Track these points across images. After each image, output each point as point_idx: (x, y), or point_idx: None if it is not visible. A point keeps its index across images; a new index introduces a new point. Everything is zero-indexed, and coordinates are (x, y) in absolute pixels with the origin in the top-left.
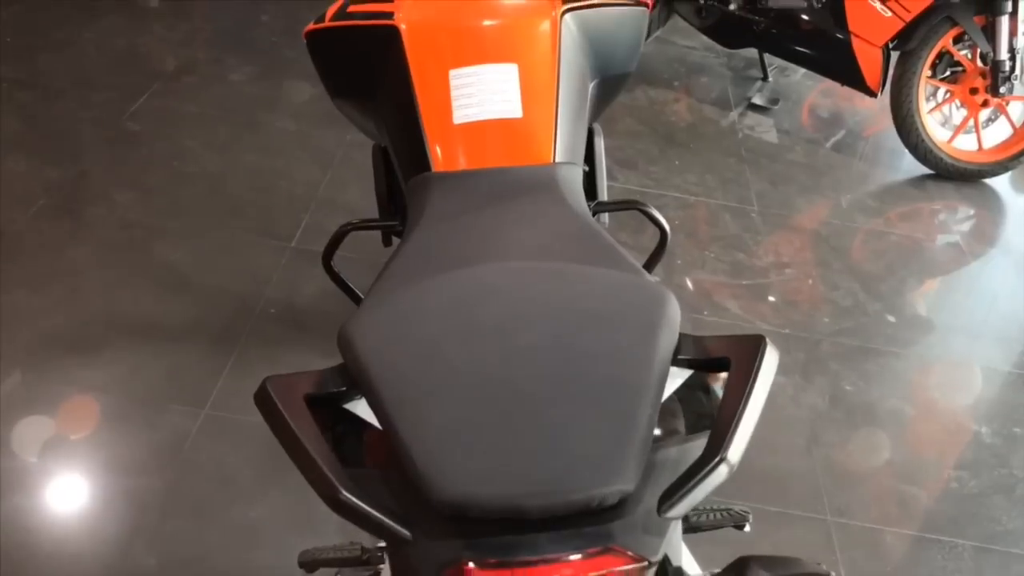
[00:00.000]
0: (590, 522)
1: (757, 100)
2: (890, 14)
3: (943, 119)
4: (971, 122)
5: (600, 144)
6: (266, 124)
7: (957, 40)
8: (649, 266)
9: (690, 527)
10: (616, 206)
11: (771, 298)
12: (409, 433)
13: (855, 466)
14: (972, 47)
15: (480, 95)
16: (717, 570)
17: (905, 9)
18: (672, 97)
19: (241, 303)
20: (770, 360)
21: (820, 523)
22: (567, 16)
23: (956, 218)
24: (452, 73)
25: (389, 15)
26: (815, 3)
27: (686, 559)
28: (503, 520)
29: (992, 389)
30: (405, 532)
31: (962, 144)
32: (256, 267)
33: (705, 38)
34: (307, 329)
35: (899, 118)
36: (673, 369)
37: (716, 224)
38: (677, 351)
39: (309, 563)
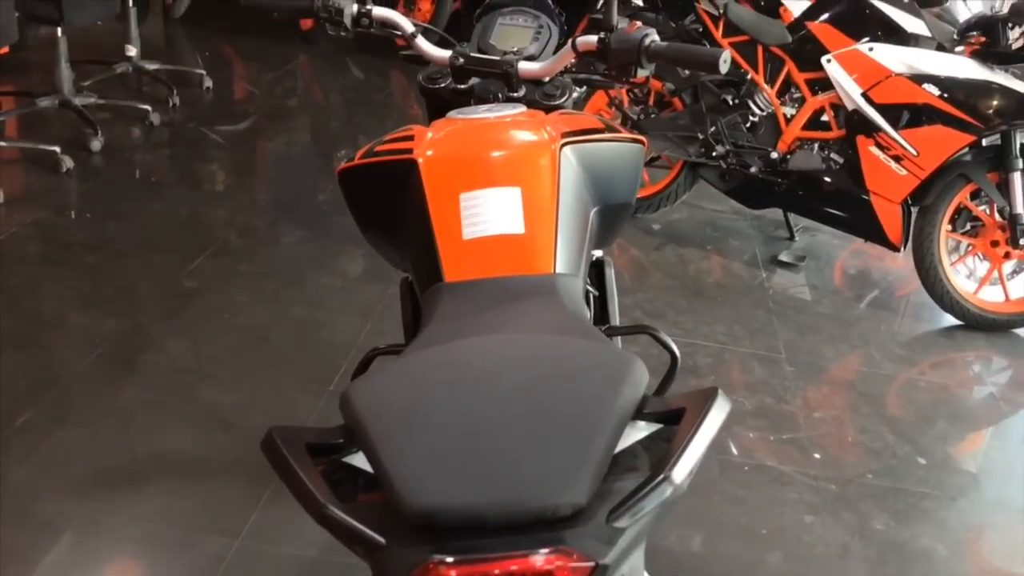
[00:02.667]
0: (544, 529)
1: (784, 257)
2: (905, 172)
3: (968, 271)
4: (995, 274)
5: (611, 273)
6: (313, 281)
7: (974, 195)
8: (661, 390)
9: None
10: (627, 330)
11: (799, 440)
12: (389, 458)
13: None
14: (989, 202)
15: (487, 214)
16: None
17: (919, 167)
18: (701, 255)
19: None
20: (720, 405)
21: None
22: (566, 148)
23: (985, 366)
24: (462, 196)
25: (409, 151)
26: (833, 164)
27: None
28: (467, 528)
29: None
30: (380, 539)
31: (989, 295)
32: (295, 408)
33: (732, 201)
34: None
35: (923, 271)
36: (640, 423)
37: (744, 370)
38: (643, 407)
39: None
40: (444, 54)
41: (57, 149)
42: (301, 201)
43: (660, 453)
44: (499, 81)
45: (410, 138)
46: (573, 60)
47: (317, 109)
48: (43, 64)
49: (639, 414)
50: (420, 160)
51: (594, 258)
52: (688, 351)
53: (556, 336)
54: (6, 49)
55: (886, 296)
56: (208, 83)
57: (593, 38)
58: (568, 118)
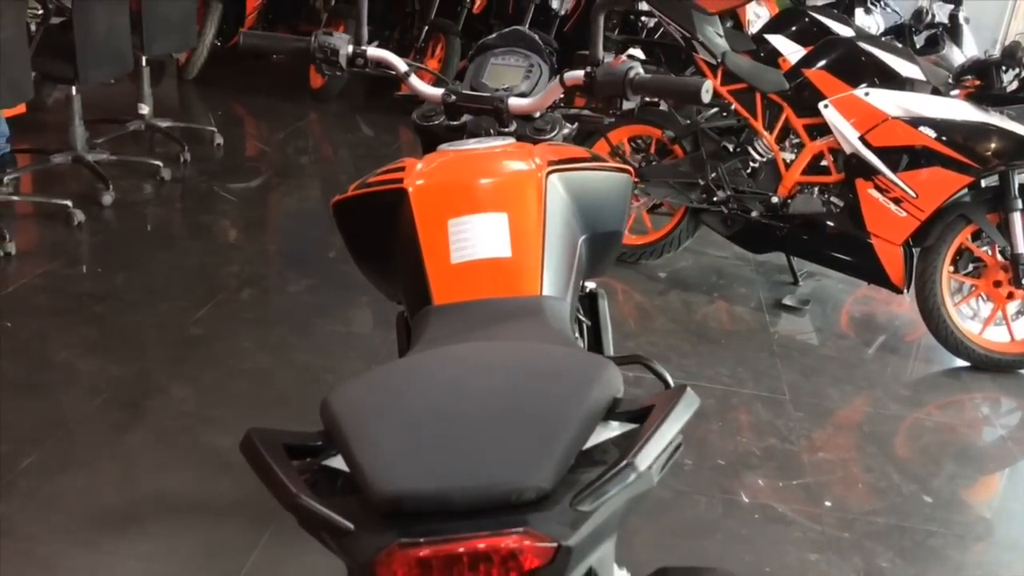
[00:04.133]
0: (510, 513)
1: (788, 301)
2: (905, 214)
3: (972, 312)
4: (999, 314)
5: (604, 304)
6: (318, 328)
7: (976, 236)
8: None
9: None
10: (621, 360)
11: (804, 479)
12: (360, 450)
13: None
14: (991, 243)
15: (474, 239)
16: None
17: (919, 209)
18: (705, 300)
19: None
20: (688, 400)
21: None
22: (552, 176)
23: (992, 407)
24: (451, 221)
25: (399, 180)
26: (833, 207)
27: (615, 571)
28: (433, 513)
29: None
30: (348, 524)
31: (993, 336)
32: None
33: (736, 248)
34: None
35: (926, 312)
36: (612, 423)
37: (748, 412)
38: (615, 408)
39: None
40: (437, 92)
41: (69, 203)
42: (309, 253)
43: (630, 449)
44: (490, 117)
45: (401, 169)
46: (561, 94)
47: (327, 165)
48: (58, 124)
49: (611, 415)
50: (410, 189)
51: (588, 290)
52: None
53: (537, 343)
54: (23, 109)
55: (891, 339)
56: (219, 140)
57: (580, 72)
58: (555, 148)
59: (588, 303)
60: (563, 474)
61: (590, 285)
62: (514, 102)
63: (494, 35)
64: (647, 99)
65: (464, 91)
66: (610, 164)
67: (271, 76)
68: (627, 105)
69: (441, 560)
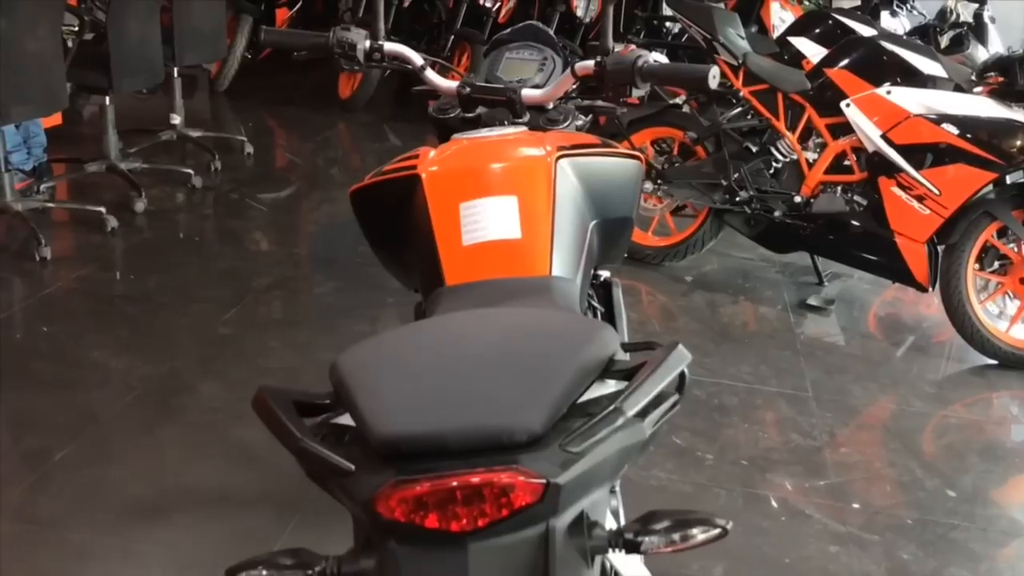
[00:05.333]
0: (502, 453)
1: (813, 302)
2: (928, 211)
3: (999, 309)
4: None
5: (618, 293)
6: (344, 327)
7: (1001, 233)
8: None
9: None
10: (635, 346)
11: (825, 474)
12: (363, 399)
13: None
14: (1017, 239)
15: (485, 221)
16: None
17: (942, 206)
18: (729, 300)
19: (304, 476)
20: (678, 354)
21: None
22: (561, 161)
23: (1020, 404)
24: (462, 205)
25: (413, 167)
26: (857, 206)
27: (609, 519)
28: (430, 453)
29: None
30: (349, 465)
31: (1020, 333)
32: None
33: (761, 249)
34: None
35: (951, 309)
36: (609, 382)
37: (770, 408)
38: (611, 366)
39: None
40: (452, 84)
41: (103, 210)
42: (336, 257)
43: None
44: (504, 108)
45: (415, 157)
46: (574, 84)
47: (354, 173)
48: (92, 135)
49: (608, 374)
50: (423, 175)
51: (602, 278)
52: (714, 391)
53: (539, 309)
54: (59, 120)
55: (918, 339)
56: (249, 149)
57: (591, 62)
58: (566, 135)
59: (602, 291)
60: (555, 421)
61: (604, 274)
62: (527, 93)
63: (508, 30)
64: (671, 101)
65: (479, 83)
66: (620, 151)
67: (300, 88)
68: (636, 93)
69: (436, 496)
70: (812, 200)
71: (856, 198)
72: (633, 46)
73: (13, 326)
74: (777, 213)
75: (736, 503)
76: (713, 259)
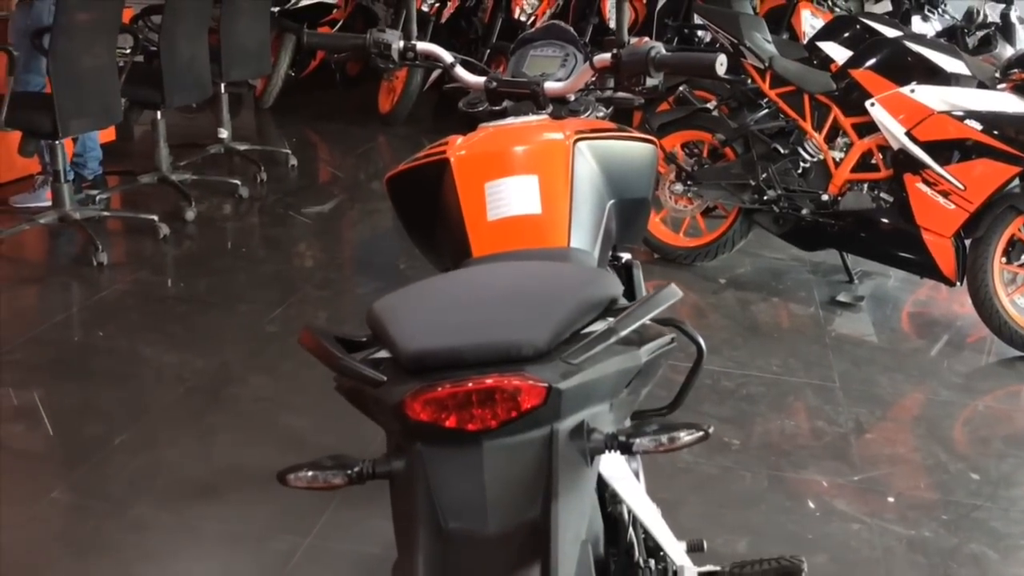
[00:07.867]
0: (512, 364)
1: (842, 298)
2: (954, 207)
3: None
4: None
5: (639, 275)
6: None
7: None
8: (687, 383)
9: None
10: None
11: (849, 457)
12: (393, 326)
13: None
14: None
15: (508, 198)
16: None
17: (967, 201)
18: (759, 297)
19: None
20: (670, 290)
21: None
22: (580, 143)
23: None
24: (487, 184)
25: (442, 152)
26: (883, 203)
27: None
28: (449, 366)
29: None
30: (381, 376)
31: None
32: (364, 431)
33: (792, 249)
34: None
35: (979, 303)
36: (611, 319)
37: (797, 397)
38: (612, 306)
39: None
40: (480, 80)
41: (155, 218)
42: (377, 261)
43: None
44: (529, 101)
45: (445, 144)
46: (593, 76)
47: None
48: (144, 151)
49: (609, 312)
50: (452, 159)
51: (623, 260)
52: (742, 381)
53: (547, 262)
54: (113, 136)
55: (949, 335)
56: (293, 161)
57: (607, 55)
58: (584, 121)
59: (624, 273)
60: (558, 342)
61: (625, 256)
62: (549, 85)
63: (533, 29)
64: (699, 105)
65: (504, 78)
66: (635, 134)
67: (341, 104)
68: (650, 82)
69: (456, 399)
70: (839, 198)
71: (882, 195)
72: (647, 38)
73: (73, 325)
74: (805, 211)
75: (761, 484)
76: (745, 260)
